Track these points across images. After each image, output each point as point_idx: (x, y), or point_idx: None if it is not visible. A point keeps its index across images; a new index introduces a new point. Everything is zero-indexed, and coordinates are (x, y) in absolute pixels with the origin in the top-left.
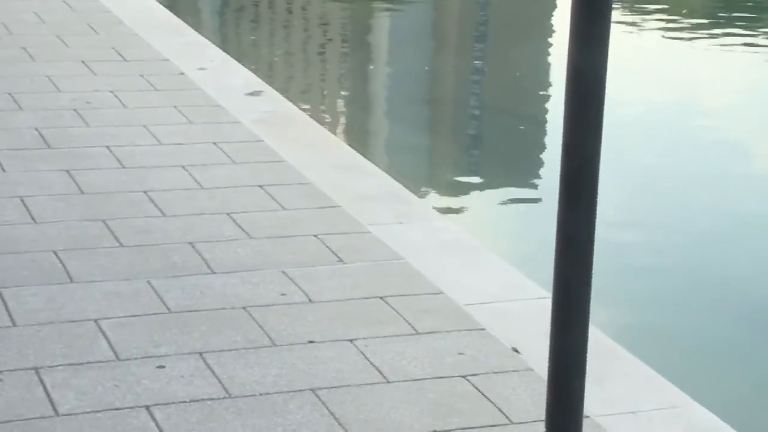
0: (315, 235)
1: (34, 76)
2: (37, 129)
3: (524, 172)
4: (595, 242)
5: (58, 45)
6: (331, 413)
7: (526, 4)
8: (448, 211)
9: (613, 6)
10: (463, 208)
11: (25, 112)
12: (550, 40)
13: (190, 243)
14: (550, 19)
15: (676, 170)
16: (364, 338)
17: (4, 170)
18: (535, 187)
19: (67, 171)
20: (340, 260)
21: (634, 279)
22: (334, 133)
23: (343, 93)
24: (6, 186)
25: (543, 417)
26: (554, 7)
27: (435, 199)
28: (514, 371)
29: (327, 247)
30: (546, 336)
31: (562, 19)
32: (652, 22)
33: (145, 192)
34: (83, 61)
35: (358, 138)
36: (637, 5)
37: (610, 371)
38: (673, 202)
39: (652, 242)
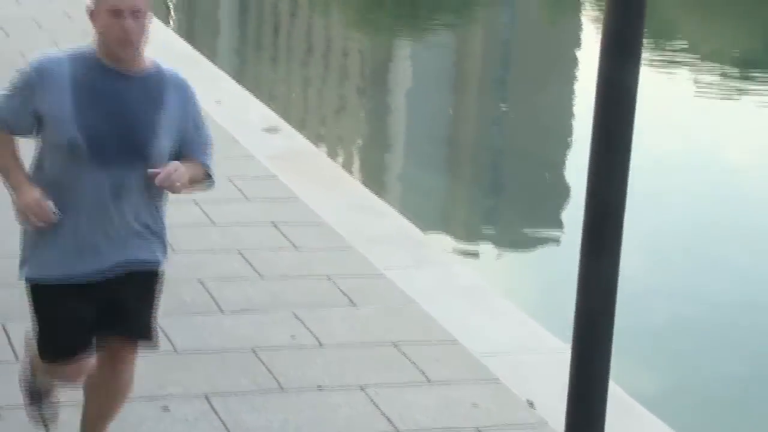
0: (327, 277)
1: None
2: None
3: (545, 219)
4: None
5: None
6: None
7: (550, 47)
8: (464, 256)
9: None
10: (481, 253)
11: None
12: (575, 84)
13: (200, 280)
14: (575, 63)
15: (703, 221)
16: (374, 385)
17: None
18: (555, 234)
19: None
20: (352, 303)
21: (655, 333)
22: (351, 172)
23: (361, 132)
24: (11, 214)
25: None
26: (578, 50)
27: (452, 243)
28: (528, 425)
29: (339, 289)
30: (562, 389)
31: (587, 63)
32: (681, 67)
33: None
34: None
35: (375, 178)
36: (666, 50)
37: (628, 428)
38: (700, 256)
39: (675, 296)
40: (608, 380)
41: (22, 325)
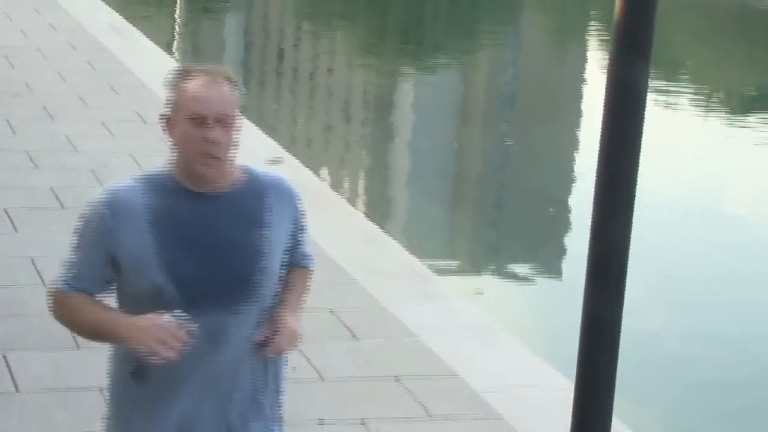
0: (330, 310)
1: (52, 135)
2: (52, 189)
3: (549, 255)
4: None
5: (78, 105)
6: None
7: (554, 81)
8: (467, 290)
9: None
10: (484, 288)
11: (41, 171)
12: (580, 118)
13: None
14: (580, 96)
15: (706, 259)
16: (376, 419)
17: (16, 230)
18: (559, 270)
19: None
20: (354, 336)
21: (659, 370)
22: (355, 206)
23: (365, 165)
24: (18, 246)
25: None
26: (583, 84)
27: (455, 278)
28: None
29: (341, 322)
30: (565, 426)
31: (593, 98)
32: (684, 104)
33: None
34: (102, 122)
35: (379, 212)
36: (671, 90)
37: None
38: (706, 294)
39: (681, 334)
40: (611, 418)
41: (23, 355)
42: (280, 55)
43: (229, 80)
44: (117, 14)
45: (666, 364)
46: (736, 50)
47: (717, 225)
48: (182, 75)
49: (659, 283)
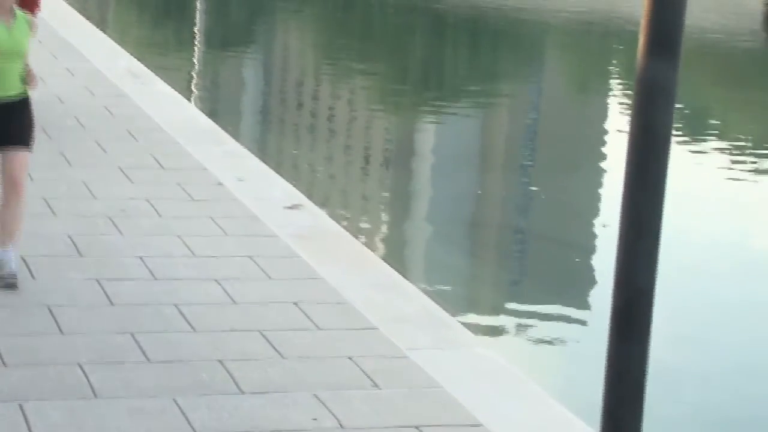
0: (350, 357)
1: (70, 181)
2: (69, 236)
3: (572, 302)
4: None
5: (96, 151)
6: None
7: (577, 125)
8: (490, 338)
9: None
10: (506, 336)
11: (59, 218)
12: (603, 164)
13: (220, 360)
14: (603, 142)
15: (732, 303)
16: None
17: (33, 277)
18: (582, 317)
19: (97, 280)
20: (375, 385)
21: (687, 415)
22: (374, 252)
23: (384, 210)
24: (35, 294)
25: None
26: (606, 129)
27: (477, 324)
28: None
29: (362, 370)
30: None
31: (617, 144)
32: (710, 152)
33: (175, 305)
34: (120, 168)
35: (399, 258)
36: (696, 136)
37: None
38: (732, 339)
39: (706, 381)
40: None
41: (39, 404)
42: (299, 101)
43: None
44: (135, 59)
45: (691, 412)
46: (758, 94)
47: (744, 273)
48: None
49: (685, 330)
